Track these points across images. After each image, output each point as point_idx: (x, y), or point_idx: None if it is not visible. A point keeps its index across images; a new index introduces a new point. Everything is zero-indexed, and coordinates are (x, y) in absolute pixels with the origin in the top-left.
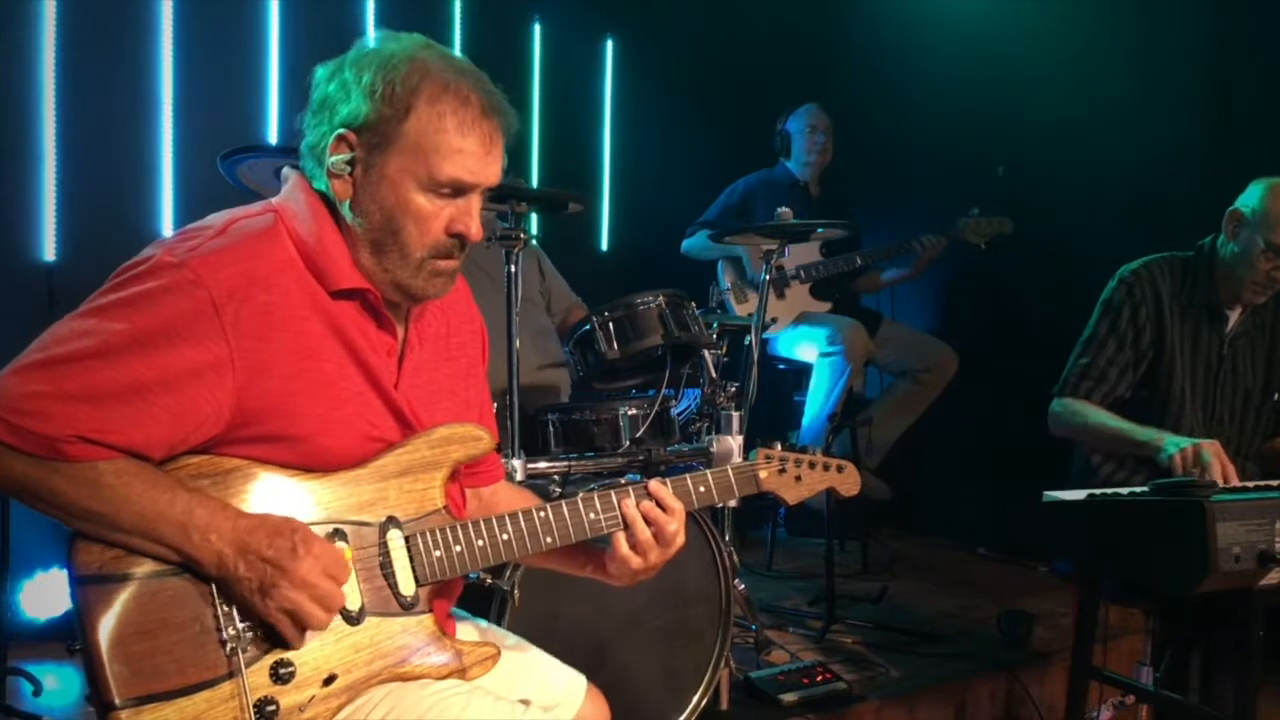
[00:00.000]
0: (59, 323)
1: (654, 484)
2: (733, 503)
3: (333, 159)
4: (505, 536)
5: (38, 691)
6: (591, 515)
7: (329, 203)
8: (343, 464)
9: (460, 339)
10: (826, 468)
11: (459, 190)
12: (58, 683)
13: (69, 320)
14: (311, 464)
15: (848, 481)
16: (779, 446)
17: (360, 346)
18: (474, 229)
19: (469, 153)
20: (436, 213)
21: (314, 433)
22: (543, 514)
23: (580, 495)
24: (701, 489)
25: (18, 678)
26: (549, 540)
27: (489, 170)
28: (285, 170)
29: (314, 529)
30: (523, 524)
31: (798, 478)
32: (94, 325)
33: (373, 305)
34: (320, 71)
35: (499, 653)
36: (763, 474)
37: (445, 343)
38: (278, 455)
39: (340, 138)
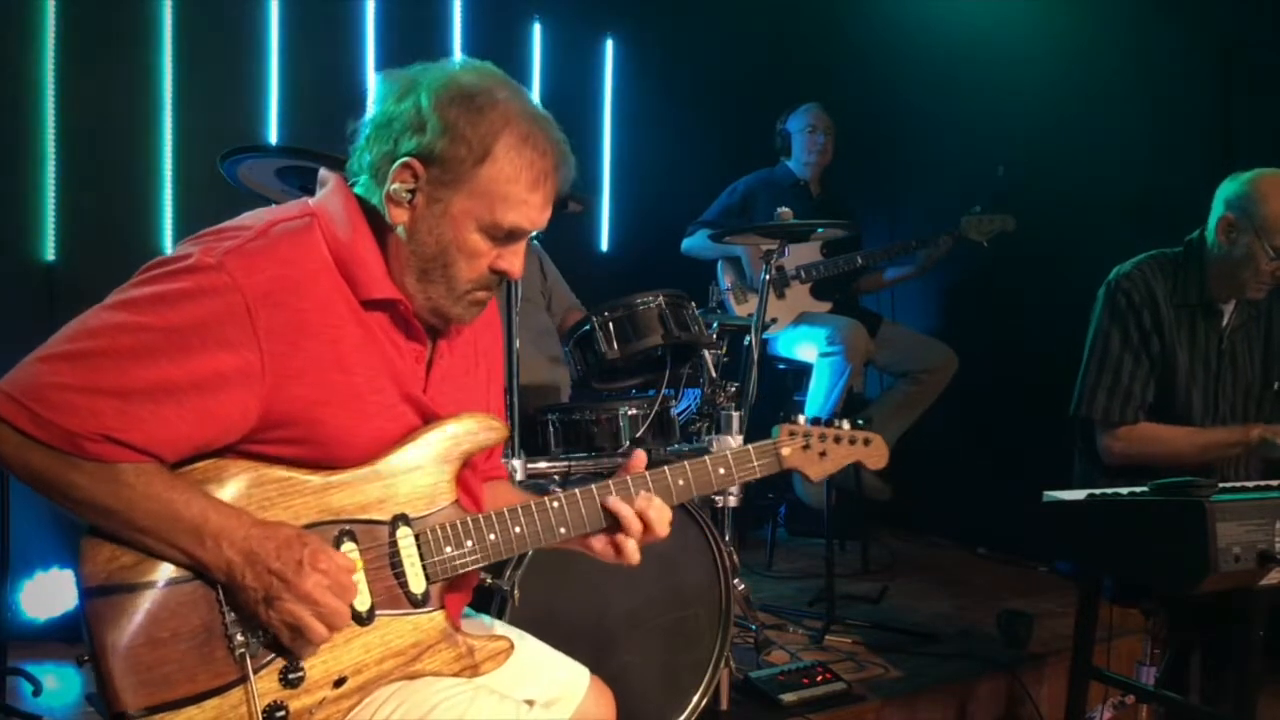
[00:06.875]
0: (88, 313)
1: (642, 498)
2: (733, 499)
3: (395, 185)
4: (518, 530)
5: (38, 691)
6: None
7: (369, 213)
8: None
9: (484, 344)
10: (853, 441)
11: (514, 236)
12: (58, 683)
13: (99, 311)
14: (331, 464)
15: (874, 454)
16: (803, 420)
17: (390, 355)
18: (518, 268)
19: (534, 205)
20: (488, 252)
21: (339, 441)
22: (556, 505)
23: (595, 485)
24: (721, 471)
25: (18, 678)
26: (563, 531)
27: (545, 218)
28: (323, 173)
29: (323, 529)
30: (536, 517)
31: (822, 453)
32: (126, 319)
33: (403, 315)
34: (386, 83)
35: (512, 647)
36: (785, 451)
37: (471, 348)
38: (297, 454)
39: (406, 165)
